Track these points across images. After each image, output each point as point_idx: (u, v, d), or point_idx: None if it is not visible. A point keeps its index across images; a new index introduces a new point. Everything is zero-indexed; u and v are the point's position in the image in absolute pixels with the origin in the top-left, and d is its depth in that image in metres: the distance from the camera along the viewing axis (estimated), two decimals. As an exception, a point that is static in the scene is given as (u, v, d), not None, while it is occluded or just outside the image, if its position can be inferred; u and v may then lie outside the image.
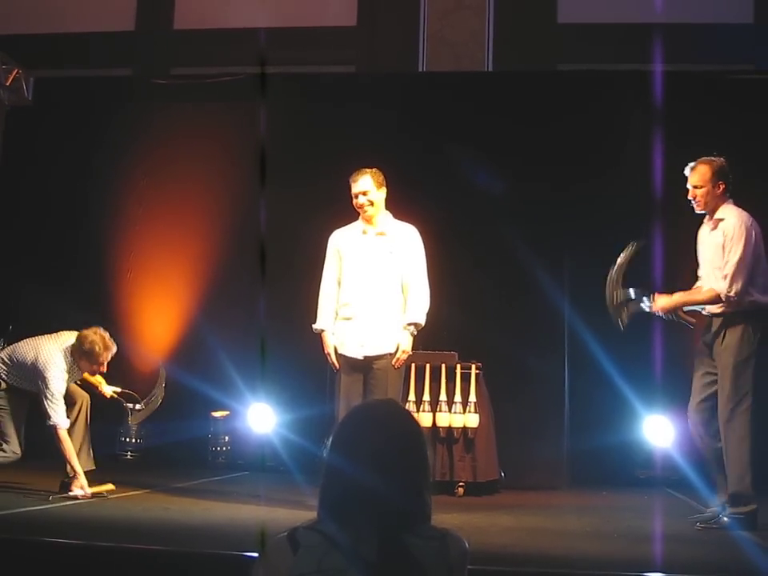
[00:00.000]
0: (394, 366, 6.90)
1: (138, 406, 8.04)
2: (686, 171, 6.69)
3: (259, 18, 10.68)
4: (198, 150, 10.66)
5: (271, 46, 10.34)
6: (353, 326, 6.95)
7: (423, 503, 2.52)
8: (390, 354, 6.90)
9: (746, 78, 10.25)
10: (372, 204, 6.98)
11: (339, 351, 6.99)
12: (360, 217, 7.11)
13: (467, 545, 2.52)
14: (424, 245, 7.17)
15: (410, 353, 7.01)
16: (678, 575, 4.65)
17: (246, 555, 4.32)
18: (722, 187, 6.57)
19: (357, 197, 6.98)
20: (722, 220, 6.53)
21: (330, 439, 2.56)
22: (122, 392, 7.85)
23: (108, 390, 7.75)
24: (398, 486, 2.45)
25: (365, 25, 11.31)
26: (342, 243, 7.11)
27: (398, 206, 7.33)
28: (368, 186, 6.95)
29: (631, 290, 6.82)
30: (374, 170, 7.06)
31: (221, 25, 11.39)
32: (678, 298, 6.72)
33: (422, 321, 6.99)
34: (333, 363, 6.98)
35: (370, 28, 11.28)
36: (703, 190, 6.60)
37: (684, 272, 9.50)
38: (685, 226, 9.49)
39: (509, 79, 10.67)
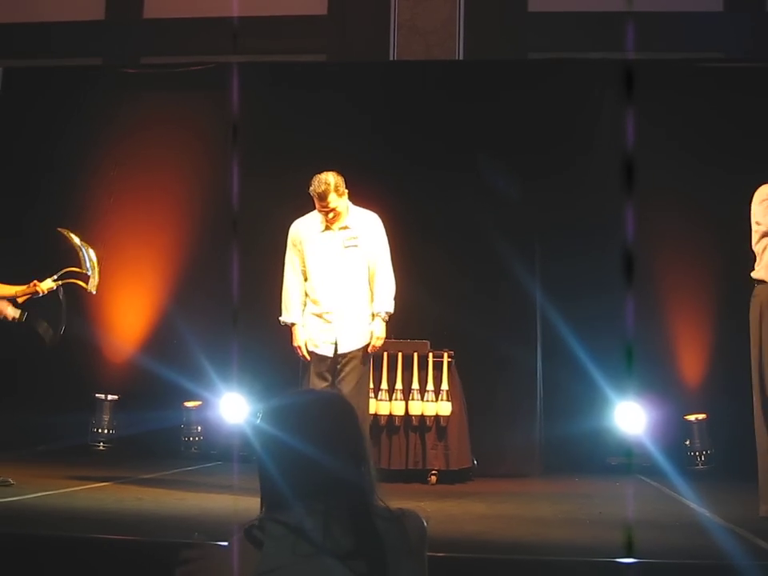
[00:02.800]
0: (368, 351, 6.97)
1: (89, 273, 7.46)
2: None
3: (229, 6, 10.64)
4: (168, 140, 10.61)
5: (242, 34, 10.33)
6: (323, 324, 6.95)
7: (371, 480, 2.52)
8: (361, 347, 6.93)
9: (715, 65, 10.30)
10: (335, 212, 6.93)
11: (309, 347, 6.99)
12: None
13: (425, 522, 2.53)
14: (396, 234, 7.23)
15: (383, 338, 7.04)
16: (650, 560, 4.67)
17: (219, 544, 4.31)
18: None
19: (323, 211, 6.93)
20: None
21: (263, 427, 2.54)
22: (61, 276, 7.22)
23: (47, 284, 7.15)
24: (347, 465, 2.46)
25: (335, 13, 11.28)
26: (303, 236, 7.06)
27: (368, 193, 7.33)
28: (332, 200, 6.86)
29: None
30: (333, 180, 6.88)
31: (191, 14, 11.34)
32: None
33: (392, 308, 7.04)
34: (304, 356, 7.00)
35: (340, 17, 11.26)
36: None
37: (656, 258, 9.60)
38: (657, 212, 9.59)
39: (480, 68, 10.67)
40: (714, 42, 10.60)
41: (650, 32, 10.03)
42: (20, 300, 7.11)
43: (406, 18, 10.96)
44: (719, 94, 9.71)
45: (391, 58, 11.04)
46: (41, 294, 7.12)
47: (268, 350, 9.27)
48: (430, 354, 8.62)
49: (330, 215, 6.94)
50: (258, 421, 2.56)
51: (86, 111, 10.74)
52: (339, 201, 6.92)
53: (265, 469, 2.52)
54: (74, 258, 7.37)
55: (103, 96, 10.79)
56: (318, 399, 2.67)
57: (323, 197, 6.84)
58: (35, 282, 7.10)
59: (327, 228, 7.04)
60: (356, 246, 7.00)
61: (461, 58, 10.94)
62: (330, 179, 6.85)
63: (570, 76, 10.19)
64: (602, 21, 10.50)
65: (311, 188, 6.88)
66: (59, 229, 7.44)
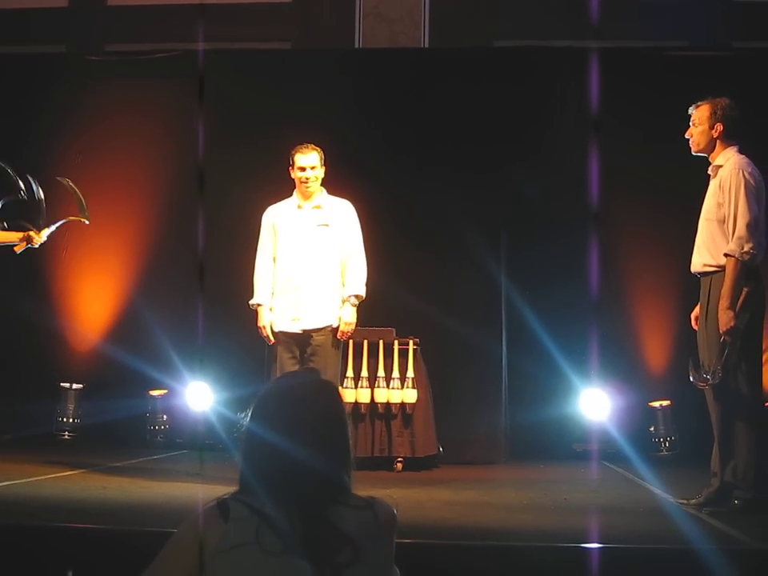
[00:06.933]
0: (338, 338, 7.02)
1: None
2: (690, 110, 6.29)
3: (194, -7, 10.61)
4: (133, 128, 10.55)
5: (207, 21, 10.27)
6: (290, 300, 7.04)
7: (344, 474, 2.58)
8: (330, 329, 6.99)
9: (680, 54, 10.33)
10: (316, 180, 7.08)
11: (277, 327, 7.05)
12: (295, 192, 7.20)
13: (395, 510, 2.57)
14: (362, 221, 7.28)
15: (354, 324, 7.09)
16: (614, 545, 4.70)
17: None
18: (719, 129, 6.13)
19: (304, 170, 7.07)
20: (720, 167, 6.10)
21: (251, 411, 2.61)
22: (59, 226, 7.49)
23: (44, 234, 7.30)
24: (320, 458, 2.51)
25: (301, 1, 11.25)
26: (277, 218, 7.20)
27: (335, 181, 7.39)
28: (316, 162, 7.10)
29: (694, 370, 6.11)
30: (318, 148, 7.17)
31: (155, 1, 11.27)
32: (723, 301, 5.87)
33: (363, 292, 7.13)
34: (267, 337, 7.06)
35: (306, 4, 11.23)
36: (699, 128, 6.21)
37: (621, 245, 9.66)
38: (622, 200, 9.64)
39: (445, 55, 10.67)
40: (680, 30, 10.63)
41: (616, 20, 10.07)
42: (17, 250, 7.26)
43: (372, 6, 10.95)
44: (683, 83, 9.72)
45: (356, 46, 11.02)
46: (37, 245, 7.29)
47: (233, 338, 9.26)
48: (396, 342, 8.64)
49: (310, 184, 7.12)
50: (248, 410, 2.61)
51: (49, 99, 10.65)
52: (320, 170, 7.16)
53: (241, 456, 2.59)
54: (73, 203, 7.63)
55: (67, 84, 10.71)
56: (301, 385, 2.69)
57: (308, 157, 7.09)
58: (33, 233, 7.24)
59: (300, 207, 7.20)
60: (327, 225, 7.12)
61: (426, 45, 10.94)
62: (316, 146, 7.17)
63: (536, 64, 10.21)
64: (569, 9, 10.52)
65: (295, 151, 7.14)
66: (58, 178, 7.61)
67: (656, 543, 4.92)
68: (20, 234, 7.22)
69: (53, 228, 7.36)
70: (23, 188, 7.22)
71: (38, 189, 7.30)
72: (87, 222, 7.64)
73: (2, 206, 7.18)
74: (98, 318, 10.51)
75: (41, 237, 7.25)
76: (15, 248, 7.25)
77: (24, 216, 7.31)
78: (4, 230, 7.24)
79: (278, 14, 11.25)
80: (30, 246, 7.24)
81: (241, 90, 10.35)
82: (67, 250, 10.49)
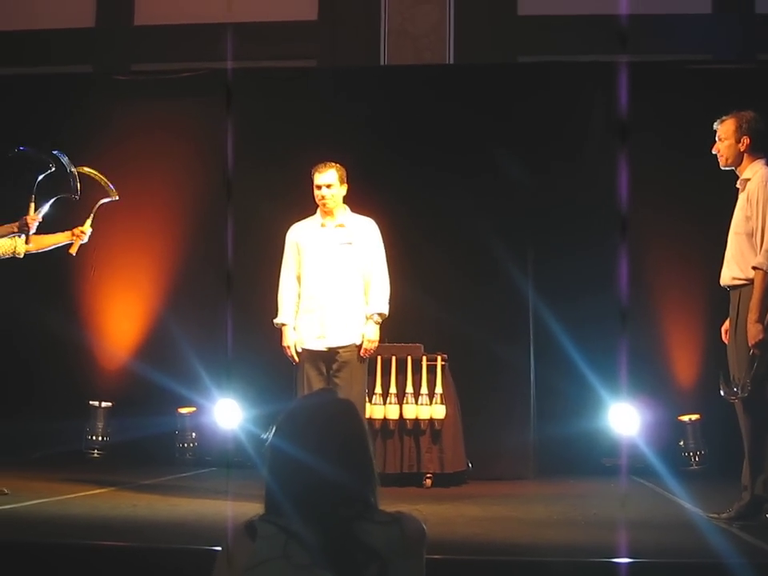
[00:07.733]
0: (361, 355, 7.02)
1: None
2: (715, 125, 6.31)
3: (220, 12, 10.66)
4: (160, 146, 10.59)
5: (232, 40, 10.33)
6: (315, 318, 7.07)
7: (369, 491, 2.60)
8: (355, 346, 7.03)
9: (705, 67, 10.31)
10: (333, 198, 7.08)
11: (302, 346, 7.07)
12: (318, 210, 7.21)
13: (424, 525, 2.58)
14: (388, 237, 7.34)
15: (377, 342, 7.11)
16: (645, 560, 4.68)
17: (214, 549, 4.33)
18: (746, 142, 6.15)
19: (320, 188, 7.09)
20: (748, 180, 6.11)
21: (276, 428, 2.62)
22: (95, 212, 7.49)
23: (87, 226, 7.34)
24: (345, 475, 2.53)
25: (326, 19, 11.29)
26: (300, 237, 7.23)
27: (361, 197, 7.42)
28: (333, 180, 7.08)
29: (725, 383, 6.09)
30: (338, 164, 7.18)
31: (181, 20, 11.34)
32: (751, 314, 5.88)
33: (386, 310, 7.16)
34: (292, 357, 7.09)
35: (331, 22, 11.26)
36: (725, 143, 6.22)
37: (649, 258, 9.62)
38: (649, 212, 9.60)
39: (470, 72, 10.67)
40: (704, 43, 10.62)
41: (639, 34, 10.05)
42: (72, 251, 7.31)
43: (397, 23, 10.98)
44: (709, 96, 9.69)
45: (382, 63, 11.05)
46: (87, 239, 7.33)
47: (262, 355, 9.26)
48: (424, 358, 8.63)
49: (327, 202, 7.14)
50: (272, 429, 2.63)
51: (76, 118, 10.69)
52: (339, 188, 7.17)
53: (267, 475, 2.60)
54: (99, 187, 7.65)
55: (94, 103, 10.75)
56: (324, 404, 2.71)
57: (325, 175, 7.10)
58: (79, 229, 7.29)
59: (324, 225, 7.22)
60: (350, 243, 7.14)
61: (451, 62, 10.95)
62: (335, 164, 7.17)
63: (561, 79, 10.19)
64: (592, 24, 10.53)
65: (314, 169, 7.16)
66: (77, 168, 7.52)
67: (686, 558, 4.90)
68: (68, 234, 7.29)
69: (91, 217, 7.37)
70: (52, 162, 7.29)
71: (68, 162, 7.37)
72: (117, 198, 7.65)
73: (38, 183, 7.24)
74: (127, 335, 10.54)
75: (86, 228, 7.29)
76: (70, 250, 7.30)
77: (58, 189, 7.34)
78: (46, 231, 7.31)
79: (303, 32, 11.31)
80: (82, 242, 7.29)
81: (267, 108, 10.38)
82: (95, 268, 10.54)
